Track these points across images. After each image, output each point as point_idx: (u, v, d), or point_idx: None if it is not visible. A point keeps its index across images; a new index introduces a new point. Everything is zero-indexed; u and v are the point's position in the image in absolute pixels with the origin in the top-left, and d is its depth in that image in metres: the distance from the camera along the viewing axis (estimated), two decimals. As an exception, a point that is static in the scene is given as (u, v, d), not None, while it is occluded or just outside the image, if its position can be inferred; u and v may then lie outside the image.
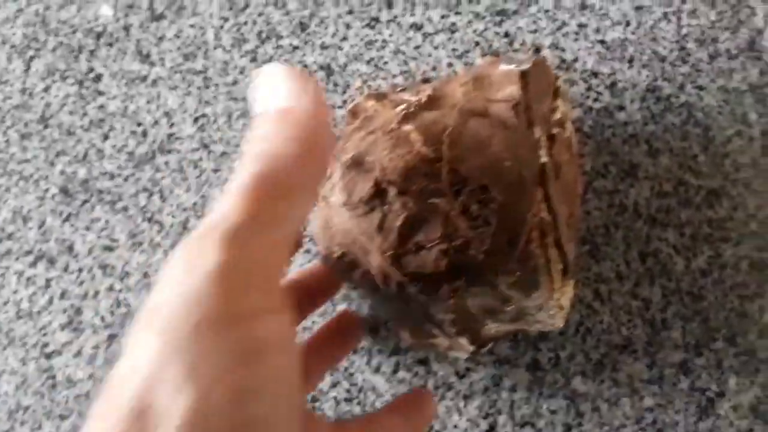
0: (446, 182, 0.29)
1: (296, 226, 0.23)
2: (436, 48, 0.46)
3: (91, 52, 0.46)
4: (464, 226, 0.29)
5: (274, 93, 0.23)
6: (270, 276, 0.22)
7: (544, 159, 0.31)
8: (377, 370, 0.40)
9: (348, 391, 0.40)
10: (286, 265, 0.24)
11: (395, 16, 0.46)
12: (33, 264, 0.42)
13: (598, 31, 0.45)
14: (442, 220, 0.29)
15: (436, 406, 0.36)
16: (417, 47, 0.46)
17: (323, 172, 0.24)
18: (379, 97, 0.34)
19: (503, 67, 0.32)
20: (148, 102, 0.45)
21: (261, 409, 0.20)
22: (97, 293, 0.42)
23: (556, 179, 0.33)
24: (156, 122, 0.44)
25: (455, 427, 0.39)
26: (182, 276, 0.20)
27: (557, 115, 0.35)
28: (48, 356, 0.41)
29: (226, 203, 0.21)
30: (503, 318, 0.32)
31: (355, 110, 0.34)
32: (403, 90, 0.35)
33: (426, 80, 0.35)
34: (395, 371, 0.40)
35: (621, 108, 0.44)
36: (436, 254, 0.29)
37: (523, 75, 0.32)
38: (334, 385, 0.40)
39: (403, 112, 0.31)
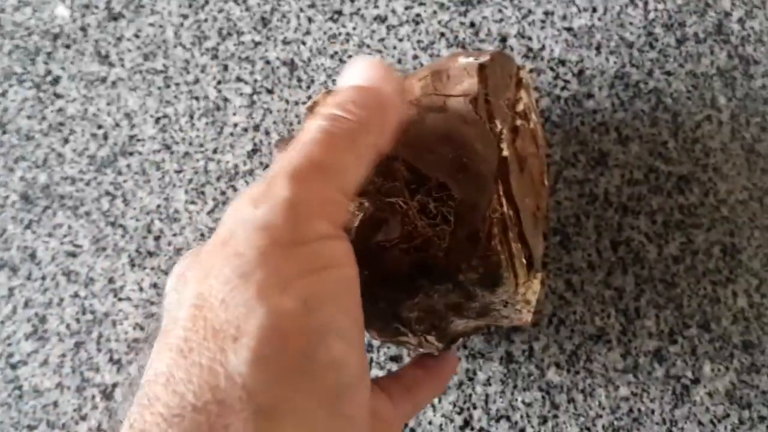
0: (402, 181, 0.28)
1: (357, 177, 0.24)
2: (400, 40, 0.45)
3: (48, 54, 0.45)
4: (423, 224, 0.28)
5: (357, 75, 0.26)
6: (333, 210, 0.23)
7: (505, 153, 0.30)
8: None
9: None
10: (347, 206, 0.24)
11: (358, 9, 0.45)
12: (-6, 273, 0.42)
13: (564, 18, 0.45)
14: (401, 220, 0.28)
15: (457, 359, 0.37)
16: (381, 40, 0.45)
17: (387, 141, 0.26)
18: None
19: (462, 60, 0.32)
20: (108, 104, 0.44)
21: (328, 315, 0.21)
22: (61, 300, 0.41)
23: (521, 172, 0.32)
24: (117, 124, 0.44)
25: (430, 423, 0.39)
26: (247, 209, 0.22)
27: (520, 107, 0.34)
28: (13, 366, 0.40)
29: (294, 151, 0.23)
30: (469, 314, 0.32)
31: (313, 108, 0.33)
32: None
33: None
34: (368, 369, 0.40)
35: (589, 96, 0.43)
36: (397, 254, 0.29)
37: (481, 68, 0.31)
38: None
39: None
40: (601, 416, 0.39)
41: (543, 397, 0.40)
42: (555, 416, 0.39)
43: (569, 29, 0.44)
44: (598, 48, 0.44)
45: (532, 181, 0.34)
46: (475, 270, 0.29)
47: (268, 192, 0.22)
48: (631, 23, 0.45)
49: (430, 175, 0.28)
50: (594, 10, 0.45)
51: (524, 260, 0.31)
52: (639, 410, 0.39)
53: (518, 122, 0.34)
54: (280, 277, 0.21)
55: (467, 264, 0.29)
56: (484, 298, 0.30)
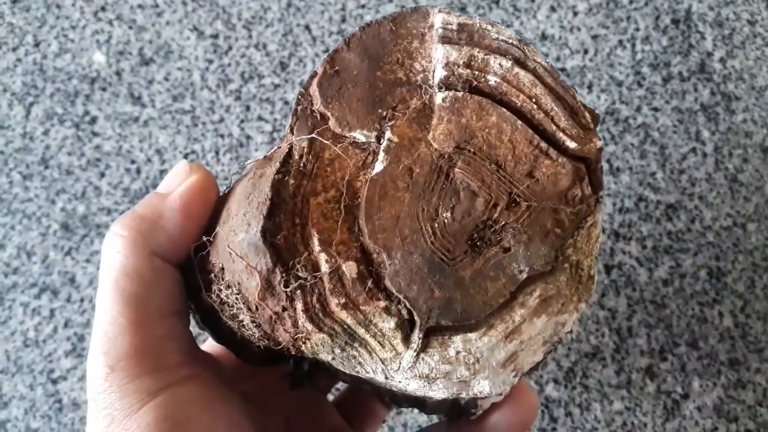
0: (198, 274, 0.25)
1: (160, 300, 0.24)
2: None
3: (87, 96, 0.49)
4: (228, 319, 0.25)
5: (164, 183, 0.26)
6: (156, 353, 0.23)
7: (375, 170, 0.23)
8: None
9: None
10: (175, 337, 0.24)
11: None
12: (38, 296, 0.45)
13: (558, 59, 0.48)
14: (217, 316, 0.25)
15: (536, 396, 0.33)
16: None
17: (177, 242, 0.25)
18: None
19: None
20: (141, 141, 0.48)
21: None
22: (97, 322, 0.44)
23: (452, 169, 0.24)
24: (149, 160, 0.47)
25: (436, 435, 0.42)
26: (89, 395, 0.23)
27: (437, 73, 0.25)
28: (54, 381, 0.43)
29: (97, 307, 0.24)
30: (388, 393, 0.27)
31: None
32: None
33: None
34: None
35: (582, 130, 0.46)
36: (249, 351, 0.26)
37: (310, 82, 0.25)
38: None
39: None
40: (596, 429, 0.42)
41: (542, 411, 0.42)
42: (554, 429, 0.42)
43: (563, 69, 0.48)
44: (590, 86, 0.47)
45: (490, 167, 0.24)
46: (308, 352, 0.24)
47: (94, 373, 0.23)
48: (620, 63, 0.48)
49: (213, 261, 0.24)
50: (585, 51, 0.48)
51: (391, 324, 0.23)
52: (632, 423, 0.42)
53: (438, 97, 0.24)
54: None
55: (293, 348, 0.24)
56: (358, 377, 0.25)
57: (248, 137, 0.48)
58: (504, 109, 0.24)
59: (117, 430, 0.22)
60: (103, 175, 0.47)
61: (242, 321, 0.24)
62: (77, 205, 0.46)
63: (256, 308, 0.23)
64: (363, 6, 0.50)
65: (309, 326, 0.22)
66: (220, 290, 0.24)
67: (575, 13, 0.49)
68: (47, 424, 0.43)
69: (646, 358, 0.43)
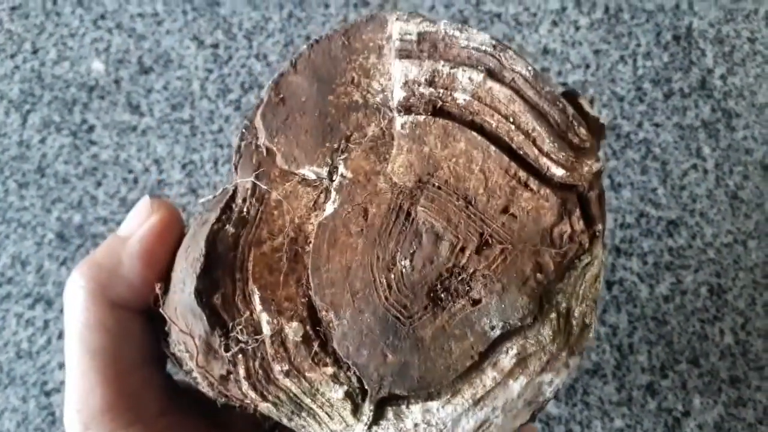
0: (159, 324, 0.23)
1: (129, 350, 0.23)
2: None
3: (84, 104, 0.48)
4: (184, 374, 0.23)
5: (125, 225, 0.25)
6: (130, 406, 0.22)
7: (326, 213, 0.21)
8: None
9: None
10: (150, 385, 0.23)
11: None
12: (32, 306, 0.44)
13: (560, 74, 0.48)
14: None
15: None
16: (391, 93, 0.48)
17: (137, 288, 0.23)
18: None
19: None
20: (139, 150, 0.47)
21: None
22: (92, 333, 0.44)
23: (413, 204, 0.21)
24: (146, 169, 0.47)
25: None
26: None
27: (398, 93, 0.21)
28: (47, 394, 0.43)
29: (66, 362, 0.23)
30: None
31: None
32: None
33: None
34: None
35: (583, 145, 0.46)
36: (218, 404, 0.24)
37: (254, 111, 0.22)
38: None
39: None
40: (597, 446, 0.41)
41: (542, 429, 0.42)
42: (553, 446, 0.41)
43: (564, 84, 0.48)
44: (591, 102, 0.48)
45: (458, 204, 0.21)
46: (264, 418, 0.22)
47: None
48: (621, 79, 0.48)
49: (169, 315, 0.22)
50: (587, 66, 0.48)
51: (339, 393, 0.20)
52: (633, 441, 0.42)
53: (398, 122, 0.21)
54: None
55: (250, 412, 0.22)
56: None
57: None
58: (474, 134, 0.21)
59: None
60: (99, 184, 0.47)
61: (195, 378, 0.21)
62: (73, 215, 0.46)
63: (205, 369, 0.21)
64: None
65: (252, 394, 0.20)
66: (174, 345, 0.22)
67: (577, 28, 0.49)
68: (39, 437, 0.42)
69: (647, 375, 0.42)
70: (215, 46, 0.49)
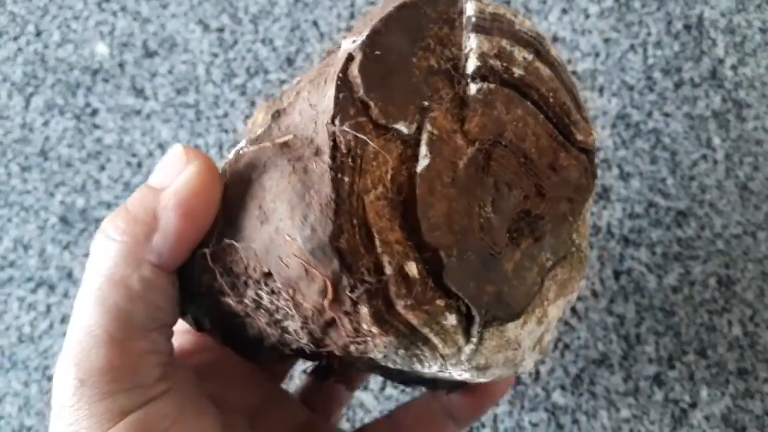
0: (221, 278, 0.23)
1: (146, 314, 0.22)
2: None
3: (88, 88, 0.48)
4: (266, 324, 0.23)
5: (156, 175, 0.23)
6: (133, 371, 0.22)
7: (420, 167, 0.22)
8: (365, 387, 0.42)
9: (337, 408, 0.42)
10: (157, 351, 0.23)
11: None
12: (34, 290, 0.44)
13: (569, 62, 0.48)
14: (245, 320, 0.24)
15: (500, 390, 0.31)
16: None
17: (178, 246, 0.22)
18: (271, 104, 0.25)
19: (343, 45, 0.23)
20: (143, 134, 0.47)
21: None
22: (95, 318, 0.43)
23: (488, 162, 0.23)
24: (150, 154, 0.46)
25: (441, 441, 0.41)
26: (54, 405, 0.21)
27: (471, 63, 0.23)
28: (49, 378, 0.42)
29: (75, 313, 0.22)
30: (425, 380, 0.27)
31: (248, 131, 0.26)
32: (298, 82, 0.25)
33: (330, 52, 0.26)
34: (383, 388, 0.42)
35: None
36: (275, 353, 0.25)
37: (348, 63, 0.22)
38: (324, 402, 0.42)
39: (240, 151, 0.24)
40: (603, 437, 0.41)
41: (549, 418, 0.41)
42: (559, 436, 0.41)
43: (574, 72, 0.47)
44: (600, 90, 0.47)
45: (520, 161, 0.24)
46: (365, 354, 0.23)
47: (63, 384, 0.21)
48: (631, 68, 0.48)
49: (250, 266, 0.22)
50: (597, 55, 0.48)
51: (453, 320, 0.22)
52: (639, 432, 0.41)
53: (472, 88, 0.23)
54: None
55: (348, 351, 0.23)
56: (413, 373, 0.25)
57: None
58: (528, 103, 0.24)
59: None
60: (103, 168, 0.46)
61: (286, 327, 0.23)
62: (76, 199, 0.46)
63: (312, 314, 0.22)
64: (372, 2, 0.49)
65: (375, 330, 0.21)
66: (259, 296, 0.22)
67: (587, 16, 0.48)
68: (41, 422, 0.42)
69: (654, 365, 0.42)
70: (221, 30, 0.49)
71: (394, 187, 0.21)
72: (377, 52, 0.22)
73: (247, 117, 0.47)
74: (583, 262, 0.26)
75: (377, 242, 0.21)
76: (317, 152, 0.21)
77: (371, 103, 0.21)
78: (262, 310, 0.23)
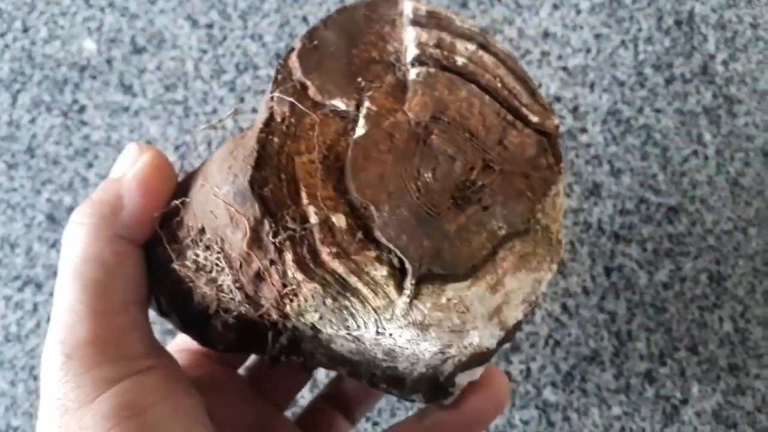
0: (167, 244, 0.24)
1: (123, 287, 0.24)
2: (407, 76, 0.48)
3: (76, 84, 0.47)
4: (204, 285, 0.24)
5: (115, 168, 0.26)
6: (116, 342, 0.22)
7: (358, 134, 0.24)
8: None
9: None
10: (137, 326, 0.23)
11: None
12: (21, 289, 0.43)
13: (560, 58, 0.48)
14: (189, 288, 0.25)
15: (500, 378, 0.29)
16: (389, 76, 0.48)
17: (139, 222, 0.24)
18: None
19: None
20: (131, 131, 0.46)
21: None
22: (82, 317, 0.43)
23: (427, 136, 0.25)
24: (139, 151, 0.46)
25: (431, 438, 0.41)
26: (43, 383, 0.22)
27: (410, 52, 0.26)
28: (36, 378, 0.42)
29: (55, 295, 0.23)
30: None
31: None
32: None
33: None
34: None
35: (583, 131, 0.46)
36: (221, 328, 0.26)
37: (288, 54, 0.25)
38: (313, 400, 0.42)
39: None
40: (594, 434, 0.41)
41: (540, 416, 0.41)
42: (550, 433, 0.41)
43: (565, 68, 0.47)
44: (591, 86, 0.47)
45: (464, 136, 0.26)
46: (295, 312, 0.24)
47: (49, 361, 0.22)
48: (622, 63, 0.47)
49: (189, 225, 0.24)
50: (588, 50, 0.48)
51: (383, 272, 0.23)
52: (631, 429, 0.41)
53: (412, 74, 0.26)
54: None
55: (279, 309, 0.24)
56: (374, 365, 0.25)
57: (242, 129, 0.46)
58: (472, 85, 0.26)
59: (71, 422, 0.21)
60: (91, 165, 0.46)
61: (221, 284, 0.24)
62: (64, 196, 0.45)
63: (240, 265, 0.23)
64: (362, -1, 0.49)
65: (300, 276, 0.22)
66: (197, 255, 0.24)
67: (578, 12, 0.48)
68: (28, 421, 0.41)
69: (645, 362, 0.42)
70: (210, 26, 0.49)
71: (331, 155, 0.24)
72: (315, 43, 0.25)
73: (237, 113, 0.47)
74: (555, 245, 0.27)
75: (303, 195, 0.23)
76: (251, 129, 0.24)
77: (308, 83, 0.24)
78: (201, 272, 0.24)
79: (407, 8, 0.27)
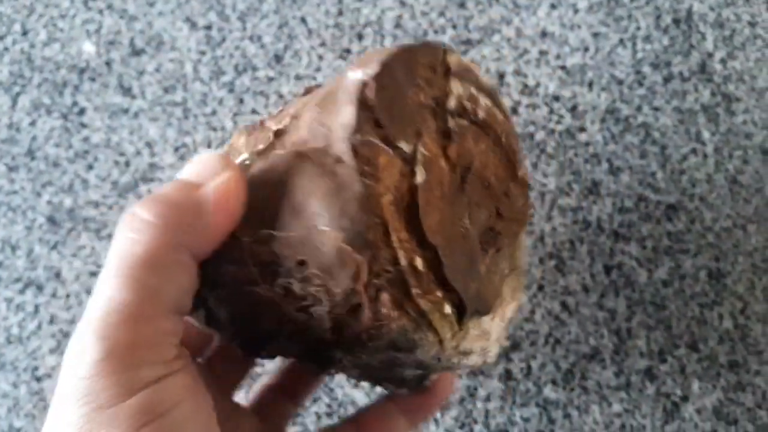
0: (256, 265, 0.25)
1: (179, 289, 0.23)
2: (406, 76, 0.48)
3: (75, 87, 0.48)
4: (291, 309, 0.25)
5: (185, 172, 0.25)
6: (160, 343, 0.22)
7: (419, 178, 0.25)
8: (356, 384, 0.42)
9: (329, 405, 0.42)
10: (176, 323, 0.23)
11: (365, 47, 0.48)
12: (22, 291, 0.44)
13: (558, 57, 0.48)
14: (268, 309, 0.26)
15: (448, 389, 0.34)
16: (388, 76, 0.48)
17: (209, 237, 0.24)
18: (251, 130, 0.28)
19: (350, 75, 0.25)
20: (131, 133, 0.46)
21: None
22: (83, 318, 0.43)
23: (461, 184, 0.27)
24: (138, 152, 0.46)
25: (432, 437, 0.41)
26: (69, 379, 0.21)
27: (452, 102, 0.28)
28: (38, 379, 0.42)
29: (99, 290, 0.22)
30: (409, 367, 0.28)
31: (228, 152, 0.28)
32: (279, 113, 0.28)
33: (308, 91, 0.29)
34: (374, 385, 0.42)
35: (582, 129, 0.46)
36: (285, 345, 0.27)
37: (363, 87, 0.25)
38: (315, 400, 0.42)
39: (245, 161, 0.27)
40: (595, 431, 0.41)
41: (540, 413, 0.41)
42: (551, 431, 0.41)
43: (563, 67, 0.47)
44: (590, 85, 0.47)
45: (484, 186, 0.29)
46: (377, 338, 0.25)
47: (82, 350, 0.21)
48: (620, 62, 0.48)
49: (284, 256, 0.24)
50: (586, 49, 0.48)
51: (449, 310, 0.26)
52: (631, 426, 0.41)
53: (451, 123, 0.27)
54: None
55: (364, 335, 0.25)
56: (408, 357, 0.27)
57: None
58: (489, 140, 0.29)
59: (100, 417, 0.20)
60: (91, 167, 0.46)
61: (313, 312, 0.25)
62: (64, 198, 0.45)
63: (340, 299, 0.24)
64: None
65: (395, 314, 0.24)
66: (290, 283, 0.25)
67: (576, 11, 0.48)
68: (31, 423, 0.41)
69: (645, 359, 0.42)
70: (208, 27, 0.49)
71: (398, 195, 0.25)
72: (386, 81, 0.25)
73: (236, 114, 0.47)
74: (522, 277, 0.32)
75: (393, 238, 0.24)
76: (338, 160, 0.24)
77: (383, 123, 0.25)
78: (290, 298, 0.25)
79: (452, 60, 0.28)
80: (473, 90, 0.29)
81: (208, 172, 0.24)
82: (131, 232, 0.23)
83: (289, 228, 0.24)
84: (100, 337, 0.21)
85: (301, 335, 0.26)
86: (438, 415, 0.41)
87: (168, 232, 0.23)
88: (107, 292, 0.22)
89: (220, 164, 0.25)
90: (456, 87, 0.28)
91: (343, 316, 0.25)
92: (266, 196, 0.25)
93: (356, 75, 0.25)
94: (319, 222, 0.24)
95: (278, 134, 0.26)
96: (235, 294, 0.26)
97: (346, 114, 0.24)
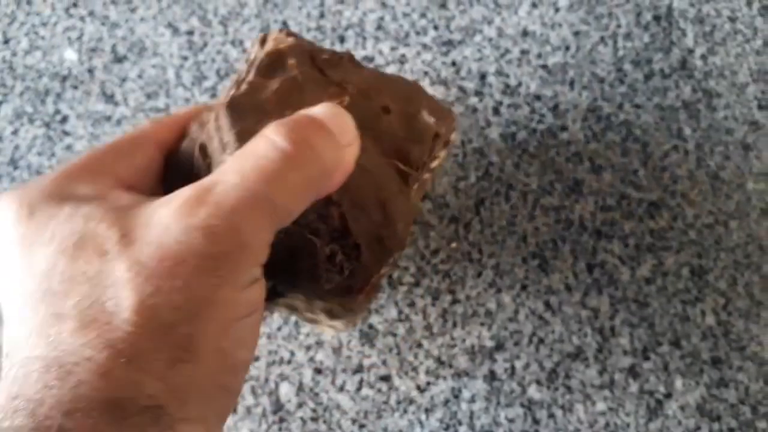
0: (329, 227, 0.29)
1: (293, 217, 0.25)
2: (387, 78, 0.48)
3: (58, 95, 0.48)
4: (324, 268, 0.30)
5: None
6: (264, 253, 0.24)
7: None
8: (341, 388, 0.42)
9: (314, 410, 0.42)
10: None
11: (347, 50, 0.48)
12: (6, 301, 0.44)
13: (539, 56, 0.48)
14: (308, 255, 0.29)
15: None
16: (369, 78, 0.48)
17: (335, 186, 0.27)
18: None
19: (428, 120, 0.34)
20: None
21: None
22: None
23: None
24: (122, 159, 0.46)
25: (417, 439, 0.41)
26: (192, 232, 0.22)
27: (434, 164, 0.36)
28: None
29: (252, 172, 0.23)
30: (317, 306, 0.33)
31: (264, 40, 0.35)
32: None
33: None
34: (359, 389, 0.42)
35: (564, 128, 0.46)
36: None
37: (444, 143, 0.37)
38: (300, 405, 0.42)
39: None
40: (579, 430, 0.41)
41: (525, 413, 0.42)
42: (536, 431, 0.41)
43: (544, 66, 0.47)
44: (571, 84, 0.47)
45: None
46: (340, 305, 0.31)
47: (190, 212, 0.22)
48: (601, 60, 0.48)
49: (353, 234, 0.29)
50: (567, 48, 0.48)
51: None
52: (615, 424, 0.41)
53: (425, 177, 0.35)
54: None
55: (338, 300, 0.31)
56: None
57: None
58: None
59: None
60: (74, 175, 0.46)
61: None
62: (48, 207, 0.45)
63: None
64: (342, 2, 0.49)
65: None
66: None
67: (557, 10, 0.48)
68: None
69: (628, 357, 0.42)
70: (190, 32, 0.49)
71: None
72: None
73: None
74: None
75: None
76: (401, 188, 0.33)
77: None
78: (328, 262, 0.30)
79: (454, 137, 0.39)
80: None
81: (348, 136, 0.26)
82: (307, 143, 0.25)
83: (367, 219, 0.30)
84: (239, 212, 0.23)
85: (306, 278, 0.30)
86: (423, 417, 0.41)
87: (336, 158, 0.25)
88: (263, 176, 0.24)
89: (351, 135, 0.26)
90: (442, 154, 0.37)
91: (343, 288, 0.30)
92: (362, 181, 0.30)
93: (437, 127, 0.35)
94: (385, 230, 0.31)
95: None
96: (293, 233, 0.28)
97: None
